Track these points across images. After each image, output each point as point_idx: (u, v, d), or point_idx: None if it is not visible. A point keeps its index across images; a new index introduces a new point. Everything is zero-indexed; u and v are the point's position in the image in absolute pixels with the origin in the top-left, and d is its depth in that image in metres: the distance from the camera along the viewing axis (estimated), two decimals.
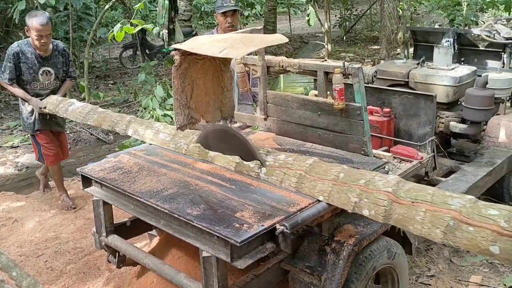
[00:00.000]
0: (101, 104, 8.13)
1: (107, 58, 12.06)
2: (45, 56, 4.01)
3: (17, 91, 4.01)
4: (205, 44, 2.34)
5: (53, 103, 3.88)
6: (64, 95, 4.17)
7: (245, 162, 2.39)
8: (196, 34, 9.77)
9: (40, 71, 4.01)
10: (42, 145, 4.19)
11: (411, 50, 5.67)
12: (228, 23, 3.82)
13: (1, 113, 8.08)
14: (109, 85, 9.92)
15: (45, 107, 3.92)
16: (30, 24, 3.84)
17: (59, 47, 4.14)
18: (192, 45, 2.35)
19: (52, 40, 4.12)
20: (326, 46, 8.06)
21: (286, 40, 2.39)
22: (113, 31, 4.62)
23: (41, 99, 4.01)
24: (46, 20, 3.85)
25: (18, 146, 6.30)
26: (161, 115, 6.19)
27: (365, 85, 2.71)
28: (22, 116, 4.24)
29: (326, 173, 2.15)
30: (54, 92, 4.10)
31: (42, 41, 3.87)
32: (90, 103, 7.82)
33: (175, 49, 2.41)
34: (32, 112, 4.10)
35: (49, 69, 4.05)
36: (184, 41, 2.53)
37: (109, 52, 12.60)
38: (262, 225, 1.92)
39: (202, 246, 1.99)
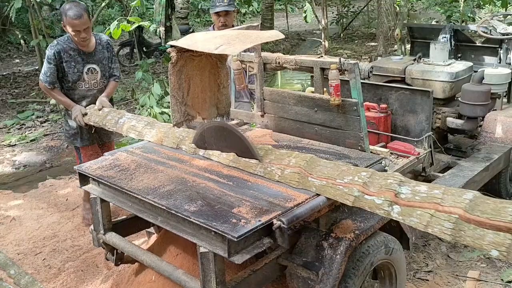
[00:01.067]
0: None
1: None
2: (88, 52, 3.55)
3: (59, 97, 3.54)
4: (201, 41, 2.34)
5: (99, 115, 3.30)
6: (110, 101, 3.63)
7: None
8: (193, 32, 9.75)
9: (85, 70, 3.54)
10: (89, 157, 3.53)
11: (408, 46, 5.67)
12: (221, 22, 3.79)
13: None
14: None
15: (85, 116, 3.40)
16: (64, 20, 3.38)
17: (103, 40, 3.65)
18: (188, 42, 2.35)
19: (95, 33, 3.68)
20: (323, 43, 8.06)
21: (283, 36, 2.40)
22: (109, 28, 4.61)
23: (88, 102, 3.53)
24: (81, 12, 3.35)
25: (15, 144, 6.30)
26: (159, 112, 6.19)
27: (361, 81, 2.71)
28: (64, 127, 3.81)
29: (497, 213, 1.64)
30: (101, 92, 3.59)
31: (81, 36, 3.40)
32: None
33: (171, 46, 2.41)
34: (76, 125, 3.58)
35: (94, 66, 3.58)
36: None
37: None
38: (259, 221, 1.92)
39: (199, 242, 1.99)
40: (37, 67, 11.20)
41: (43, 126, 7.01)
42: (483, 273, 3.10)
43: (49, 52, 3.47)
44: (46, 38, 7.95)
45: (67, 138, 3.81)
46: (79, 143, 3.67)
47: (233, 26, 3.80)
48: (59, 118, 7.27)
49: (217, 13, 3.81)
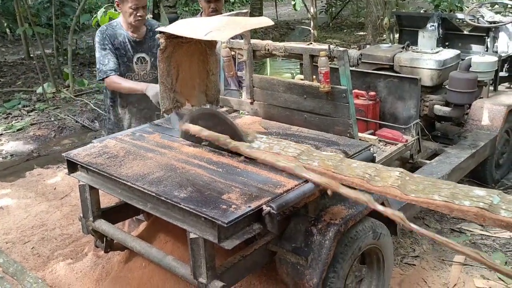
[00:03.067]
0: (86, 92, 8.06)
1: (91, 45, 11.89)
2: (138, 40, 3.26)
3: (126, 85, 3.13)
4: (191, 27, 2.32)
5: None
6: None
7: None
8: None
9: (135, 59, 3.25)
10: None
11: (397, 35, 5.70)
12: (212, 8, 3.76)
13: None
14: (94, 72, 9.78)
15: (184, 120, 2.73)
16: None
17: (154, 26, 3.31)
18: (177, 28, 2.33)
19: (146, 19, 3.33)
20: (312, 31, 8.05)
21: (272, 23, 2.40)
22: (96, 16, 4.55)
23: (137, 96, 3.16)
24: None
25: (1, 134, 6.22)
26: None
27: (350, 68, 2.72)
28: (106, 115, 3.51)
29: None
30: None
31: (138, 14, 3.09)
32: (75, 90, 7.80)
33: (160, 32, 2.39)
34: (118, 122, 3.34)
35: (143, 55, 3.28)
36: None
37: (92, 39, 12.40)
38: (249, 206, 1.94)
39: (189, 228, 2.00)
40: (23, 56, 11.05)
41: (29, 116, 6.93)
42: (468, 257, 3.15)
43: (99, 37, 3.18)
44: (32, 26, 7.84)
45: (108, 129, 3.48)
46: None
47: (221, 13, 3.77)
48: (45, 108, 7.19)
49: None
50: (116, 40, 3.19)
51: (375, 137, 3.25)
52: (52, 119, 6.72)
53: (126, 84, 3.17)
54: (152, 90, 2.96)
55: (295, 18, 15.53)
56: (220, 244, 1.89)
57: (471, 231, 3.47)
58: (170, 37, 2.41)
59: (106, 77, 3.18)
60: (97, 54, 3.18)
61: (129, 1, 3.06)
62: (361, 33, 12.18)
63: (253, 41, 3.06)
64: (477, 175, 3.96)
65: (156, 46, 3.21)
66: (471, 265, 3.07)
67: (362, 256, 2.52)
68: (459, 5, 11.36)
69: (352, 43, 11.08)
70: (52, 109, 7.16)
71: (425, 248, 3.28)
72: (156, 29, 2.44)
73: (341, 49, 2.66)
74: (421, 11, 11.52)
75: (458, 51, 4.08)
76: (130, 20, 3.15)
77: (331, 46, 2.67)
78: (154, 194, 2.11)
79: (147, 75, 3.34)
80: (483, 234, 3.43)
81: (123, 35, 3.21)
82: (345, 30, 13.29)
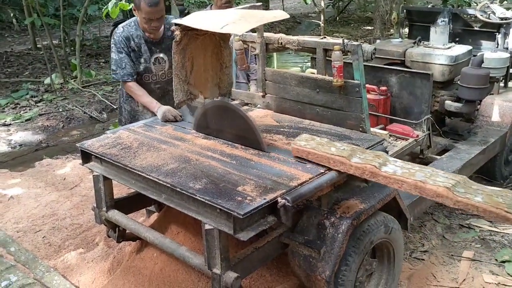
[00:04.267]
0: (93, 83, 8.08)
1: (97, 36, 11.91)
2: (156, 40, 3.19)
3: (141, 95, 3.15)
4: (206, 20, 2.33)
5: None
6: None
7: None
8: (188, 13, 9.65)
9: (152, 59, 3.20)
10: None
11: (405, 30, 5.67)
12: (225, 0, 3.76)
13: None
14: (101, 63, 9.82)
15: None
16: (137, 3, 3.01)
17: (171, 25, 3.17)
18: (193, 20, 2.34)
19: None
20: (322, 24, 8.02)
21: (287, 16, 2.40)
22: (107, 7, 4.56)
23: (156, 97, 3.16)
24: (158, 0, 3.00)
25: (10, 124, 6.25)
26: None
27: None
28: (121, 118, 3.47)
29: None
30: (169, 85, 2.92)
31: (152, 24, 3.05)
32: (82, 81, 7.82)
33: (176, 25, 2.40)
34: (131, 115, 3.30)
35: (161, 55, 3.21)
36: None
37: (99, 30, 12.43)
38: (264, 199, 1.95)
39: (204, 219, 2.01)
40: (29, 46, 11.07)
41: (37, 106, 6.95)
42: (477, 253, 3.16)
43: (116, 39, 3.11)
44: (40, 17, 7.84)
45: (124, 118, 3.45)
46: None
47: (232, 6, 3.76)
48: (53, 98, 7.22)
49: None
50: (132, 43, 3.15)
51: (385, 132, 3.26)
52: (60, 110, 6.74)
53: (141, 99, 3.20)
54: (161, 110, 2.98)
55: (302, 12, 15.49)
56: (235, 235, 1.90)
57: (480, 227, 3.48)
58: (185, 29, 2.42)
59: (123, 81, 3.21)
60: (113, 55, 3.15)
61: (143, 12, 3.01)
62: (368, 27, 12.14)
63: (266, 34, 3.06)
64: (486, 171, 3.96)
65: None
66: (480, 261, 3.08)
67: (373, 250, 2.54)
68: (467, 0, 11.31)
69: (359, 38, 11.05)
70: (60, 100, 7.18)
71: (434, 243, 3.29)
72: (172, 21, 2.45)
73: (355, 43, 2.66)
74: (429, 6, 11.46)
75: (470, 47, 4.06)
76: (144, 27, 3.12)
77: (345, 40, 2.67)
78: (169, 185, 2.12)
79: (165, 75, 3.28)
80: (492, 230, 3.44)
81: (139, 36, 3.16)
82: (352, 25, 13.25)
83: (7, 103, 7.06)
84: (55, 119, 6.41)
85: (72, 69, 8.54)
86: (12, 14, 12.79)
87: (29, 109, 6.83)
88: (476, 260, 3.08)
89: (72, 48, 9.57)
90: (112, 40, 3.16)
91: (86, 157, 2.65)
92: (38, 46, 10.42)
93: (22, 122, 6.34)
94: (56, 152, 5.34)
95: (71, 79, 8.14)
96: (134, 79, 3.16)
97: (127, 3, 4.49)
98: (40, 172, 4.61)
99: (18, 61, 9.96)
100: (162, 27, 3.18)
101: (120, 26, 3.20)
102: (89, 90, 7.60)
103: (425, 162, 3.50)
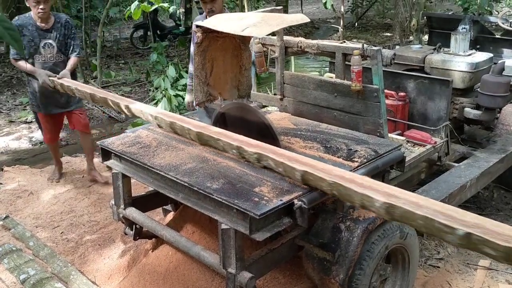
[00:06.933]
0: (112, 83, 8.19)
1: (118, 38, 12.06)
2: (46, 29, 3.92)
3: (23, 65, 3.92)
4: (227, 22, 2.36)
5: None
6: (74, 73, 4.05)
7: None
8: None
9: (42, 44, 3.92)
10: (42, 123, 4.32)
11: (425, 37, 5.64)
12: (208, 9, 3.52)
13: (14, 89, 8.15)
14: (120, 64, 9.94)
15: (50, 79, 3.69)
16: None
17: (62, 19, 4.02)
18: (214, 22, 2.37)
19: (55, 13, 4.09)
20: (341, 29, 8.00)
21: (308, 20, 2.41)
22: (129, 9, 4.63)
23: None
24: None
25: (31, 121, 6.36)
26: (173, 95, 6.24)
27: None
28: (28, 94, 4.28)
29: None
30: (57, 66, 3.93)
31: (40, 7, 3.76)
32: (102, 82, 7.92)
33: (197, 27, 2.43)
34: (34, 92, 4.08)
35: (50, 41, 3.94)
36: None
37: (119, 32, 12.60)
38: (281, 200, 1.96)
39: (220, 219, 2.03)
40: None
41: None
42: (493, 262, 3.12)
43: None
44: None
45: (30, 105, 4.21)
46: (35, 110, 4.23)
47: (220, 12, 3.64)
48: None
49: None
50: (25, 29, 3.86)
51: (403, 138, 3.24)
52: None
53: (23, 65, 3.92)
54: (41, 75, 3.74)
55: (320, 17, 15.49)
56: (251, 235, 1.92)
57: None
58: (206, 31, 2.45)
59: (13, 59, 3.98)
60: None
61: None
62: (387, 34, 12.09)
63: (285, 37, 3.09)
64: (504, 180, 3.91)
65: (62, 35, 3.98)
66: (496, 270, 3.04)
67: (388, 255, 2.53)
68: (488, 8, 11.18)
69: (378, 44, 11.00)
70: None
71: (450, 251, 3.26)
72: (194, 23, 2.48)
73: (375, 48, 2.66)
74: (450, 13, 11.37)
75: (491, 54, 4.02)
76: (34, 12, 3.82)
77: (365, 45, 2.68)
78: (187, 184, 2.15)
79: (53, 58, 3.99)
80: None
81: (31, 24, 3.89)
82: (370, 31, 13.20)
83: (28, 102, 7.18)
84: None
85: (92, 70, 8.66)
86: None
87: None
88: (493, 269, 3.05)
89: (93, 49, 9.71)
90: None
91: (106, 155, 2.69)
92: None
93: None
94: (75, 150, 5.42)
95: (91, 79, 8.26)
96: (19, 58, 3.91)
97: (149, 5, 4.55)
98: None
99: None
100: (53, 18, 3.95)
101: (17, 16, 4.02)
102: (108, 91, 7.71)
103: (443, 169, 3.48)
